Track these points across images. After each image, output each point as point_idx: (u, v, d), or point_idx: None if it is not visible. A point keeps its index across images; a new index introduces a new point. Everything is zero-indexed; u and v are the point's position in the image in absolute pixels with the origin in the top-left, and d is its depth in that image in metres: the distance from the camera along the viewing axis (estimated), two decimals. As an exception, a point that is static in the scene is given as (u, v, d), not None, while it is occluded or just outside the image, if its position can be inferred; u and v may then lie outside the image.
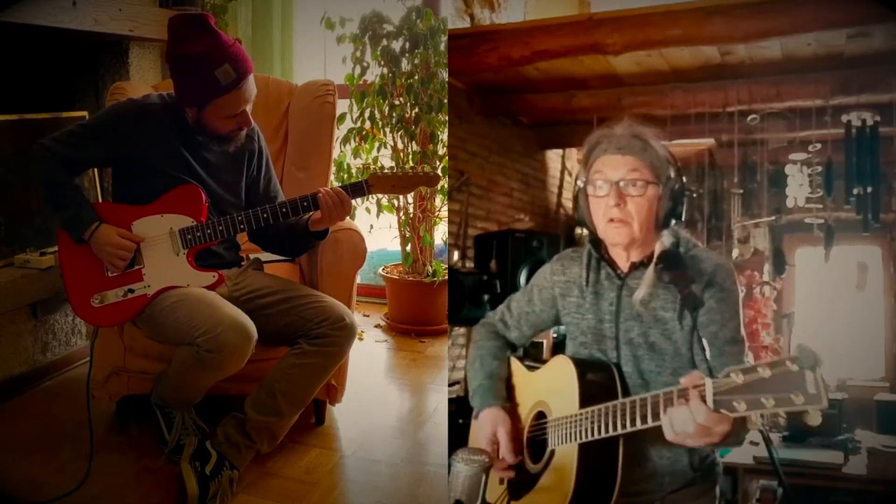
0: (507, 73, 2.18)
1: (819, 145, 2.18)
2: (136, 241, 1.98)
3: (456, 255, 2.56)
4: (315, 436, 2.36)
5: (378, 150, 3.34)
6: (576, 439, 1.32)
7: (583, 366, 1.38)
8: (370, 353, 3.17)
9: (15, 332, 2.59)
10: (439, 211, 3.39)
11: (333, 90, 2.65)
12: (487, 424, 1.49)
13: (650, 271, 1.34)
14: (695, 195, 2.35)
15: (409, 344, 3.27)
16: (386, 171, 2.02)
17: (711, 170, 2.39)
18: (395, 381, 2.95)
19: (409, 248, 3.40)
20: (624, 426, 1.23)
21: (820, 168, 2.19)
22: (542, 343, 2.29)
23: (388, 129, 3.28)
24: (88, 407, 2.05)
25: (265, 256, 2.32)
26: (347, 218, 2.10)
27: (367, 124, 3.26)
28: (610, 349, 1.41)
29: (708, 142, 2.34)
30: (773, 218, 2.30)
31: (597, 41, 1.94)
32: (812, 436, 2.01)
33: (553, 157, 2.92)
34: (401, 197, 3.34)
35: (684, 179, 1.38)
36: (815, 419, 1.02)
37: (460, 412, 1.85)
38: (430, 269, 3.39)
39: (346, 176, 3.29)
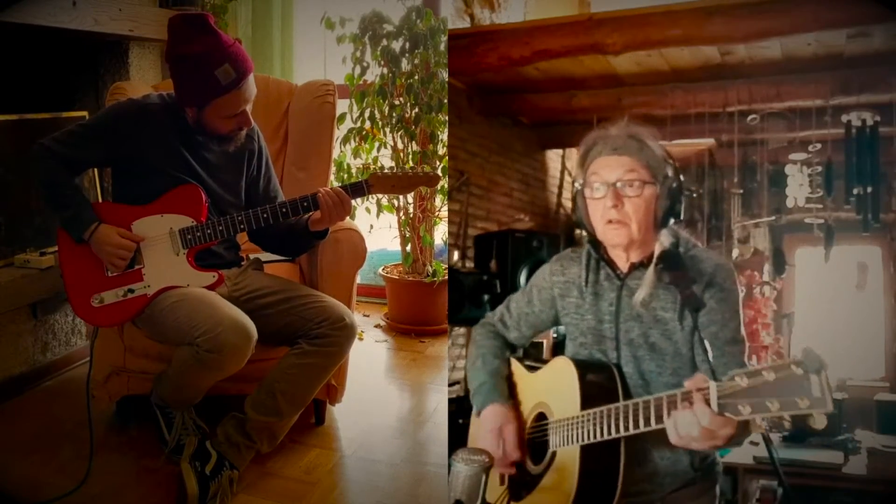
0: (507, 73, 2.18)
1: (819, 145, 2.18)
2: (136, 241, 1.98)
3: (456, 255, 2.55)
4: (315, 436, 2.36)
5: (378, 150, 3.34)
6: (578, 441, 1.32)
7: (583, 367, 1.38)
8: (370, 353, 3.17)
9: (15, 332, 2.59)
10: (439, 211, 3.39)
11: (333, 90, 2.65)
12: (491, 422, 1.48)
13: (650, 272, 1.34)
14: (695, 195, 2.35)
15: (409, 344, 3.27)
16: (386, 171, 2.02)
17: (711, 170, 2.39)
18: (395, 381, 2.95)
19: (409, 248, 3.40)
20: (627, 429, 1.23)
21: (820, 168, 2.19)
22: (541, 343, 2.29)
23: (388, 129, 3.28)
24: (88, 407, 2.05)
25: (265, 256, 2.32)
26: (347, 218, 2.10)
27: (367, 124, 3.26)
28: (610, 350, 1.41)
29: (708, 142, 2.34)
30: (773, 218, 2.30)
31: (597, 41, 1.94)
32: (812, 436, 2.01)
33: (553, 157, 2.92)
34: (401, 197, 3.34)
35: (682, 178, 1.38)
36: (819, 422, 1.02)
37: (460, 412, 1.85)
38: (430, 269, 3.39)
39: (346, 176, 3.29)
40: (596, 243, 1.43)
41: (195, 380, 1.98)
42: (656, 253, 1.34)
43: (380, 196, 3.30)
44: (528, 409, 1.50)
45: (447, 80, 2.95)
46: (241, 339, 1.84)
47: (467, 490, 1.31)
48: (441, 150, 3.27)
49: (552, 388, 1.45)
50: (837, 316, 2.14)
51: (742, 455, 1.97)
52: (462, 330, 2.41)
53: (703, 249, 1.40)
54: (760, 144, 2.29)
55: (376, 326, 3.49)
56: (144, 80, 3.00)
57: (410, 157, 3.29)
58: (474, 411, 1.56)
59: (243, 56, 1.95)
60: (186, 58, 1.92)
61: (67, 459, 2.12)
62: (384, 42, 3.20)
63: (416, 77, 3.16)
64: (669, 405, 1.16)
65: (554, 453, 1.39)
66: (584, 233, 1.46)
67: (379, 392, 2.79)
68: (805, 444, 2.02)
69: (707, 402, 1.10)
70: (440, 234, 3.43)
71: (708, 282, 1.33)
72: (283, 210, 1.97)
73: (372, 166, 3.29)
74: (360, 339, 3.04)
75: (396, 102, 3.23)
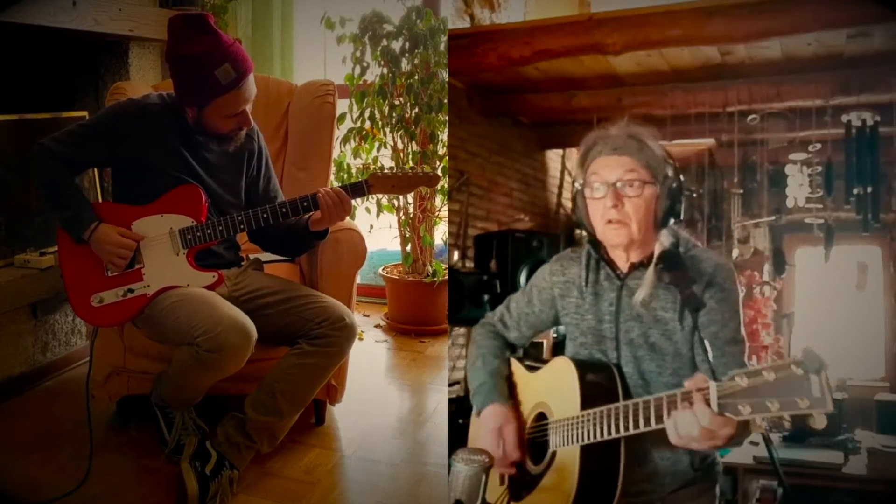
0: (507, 73, 2.18)
1: (819, 145, 2.18)
2: (136, 240, 1.98)
3: (456, 255, 2.55)
4: (315, 436, 2.36)
5: (378, 150, 3.34)
6: (578, 441, 1.32)
7: (583, 367, 1.38)
8: (370, 353, 3.17)
9: (15, 332, 2.59)
10: (439, 211, 3.39)
11: (333, 90, 2.65)
12: (491, 421, 1.48)
13: (650, 272, 1.34)
14: (695, 195, 2.35)
15: (409, 344, 3.27)
16: (386, 171, 2.02)
17: (711, 170, 2.39)
18: (395, 381, 2.95)
19: (409, 248, 3.40)
20: (627, 429, 1.23)
21: (820, 168, 2.19)
22: (541, 343, 2.29)
23: (388, 129, 3.28)
24: (88, 407, 2.05)
25: (265, 256, 2.32)
26: (347, 218, 2.10)
27: (367, 124, 3.26)
28: (610, 350, 1.41)
29: (708, 142, 2.34)
30: (773, 218, 2.30)
31: (597, 41, 1.94)
32: (812, 436, 2.01)
33: (553, 157, 2.92)
34: (401, 197, 3.34)
35: (682, 178, 1.38)
36: (819, 422, 1.02)
37: (460, 412, 1.85)
38: (430, 269, 3.39)
39: (346, 176, 3.29)
40: (596, 243, 1.43)
41: (195, 380, 1.98)
42: (656, 253, 1.34)
43: (380, 196, 3.30)
44: (528, 410, 1.50)
45: (447, 80, 2.95)
46: (240, 338, 1.84)
47: (467, 490, 1.31)
48: (441, 150, 3.27)
49: (552, 388, 1.45)
50: (837, 316, 2.14)
51: (742, 455, 1.97)
52: (462, 330, 2.41)
53: (702, 249, 1.40)
54: (760, 144, 2.29)
55: (376, 326, 3.49)
56: (144, 80, 3.00)
57: (410, 157, 3.29)
58: (474, 411, 1.56)
59: (243, 56, 1.95)
60: (186, 58, 1.92)
61: (67, 459, 2.12)
62: (384, 42, 3.20)
63: (416, 77, 3.16)
64: (669, 405, 1.16)
65: (554, 453, 1.39)
66: (584, 233, 1.46)
67: (379, 392, 2.79)
68: (805, 444, 2.02)
69: (707, 402, 1.10)
70: (440, 234, 3.43)
71: (708, 282, 1.33)
72: (283, 210, 1.97)
73: (372, 166, 3.29)
74: (360, 339, 3.04)
75: (396, 102, 3.23)
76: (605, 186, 1.35)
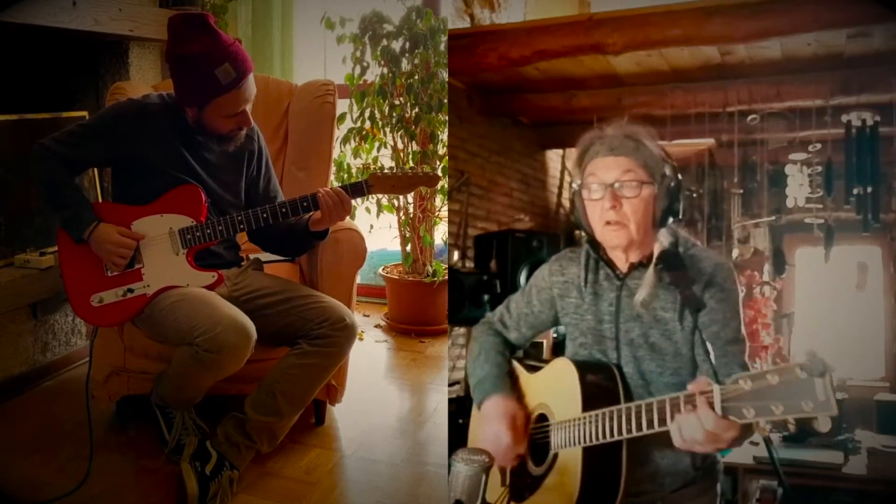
0: (507, 73, 2.18)
1: (819, 145, 2.18)
2: (136, 239, 1.98)
3: (456, 255, 2.55)
4: (315, 436, 2.36)
5: (378, 150, 3.34)
6: (580, 443, 1.31)
7: (584, 367, 1.38)
8: (370, 353, 3.17)
9: (15, 332, 2.59)
10: (439, 211, 3.38)
11: (333, 90, 2.65)
12: (494, 411, 1.46)
13: (650, 272, 1.33)
14: (695, 195, 2.35)
15: (409, 344, 3.27)
16: (386, 171, 2.02)
17: (711, 170, 2.39)
18: (395, 381, 2.95)
19: (409, 248, 3.40)
20: (630, 431, 1.22)
21: (820, 168, 2.19)
22: (541, 343, 2.29)
23: (388, 129, 3.28)
24: (88, 407, 2.05)
25: (265, 256, 2.32)
26: (347, 218, 2.10)
27: (367, 124, 3.26)
28: (610, 350, 1.41)
29: (708, 142, 2.34)
30: (773, 218, 2.30)
31: (597, 41, 1.94)
32: (812, 436, 2.01)
33: (553, 157, 2.92)
34: (401, 197, 3.34)
35: (680, 176, 1.37)
36: (824, 425, 1.02)
37: (460, 412, 1.85)
38: (430, 269, 3.39)
39: (346, 176, 3.29)
40: (595, 243, 1.43)
41: (195, 380, 1.98)
42: (656, 253, 1.34)
43: (380, 196, 3.30)
44: (529, 411, 1.50)
45: (447, 80, 2.95)
46: (240, 338, 1.84)
47: (467, 490, 1.31)
48: (441, 150, 3.27)
49: (553, 389, 1.44)
50: (837, 316, 2.14)
51: (742, 455, 1.97)
52: (462, 330, 2.41)
53: (702, 249, 1.40)
54: (760, 144, 2.29)
55: (376, 326, 3.49)
56: (144, 80, 3.00)
57: (410, 157, 3.29)
58: (475, 406, 1.54)
59: (243, 56, 1.95)
60: (186, 57, 1.92)
61: (67, 459, 2.13)
62: (384, 42, 3.20)
63: (416, 77, 3.16)
64: (672, 408, 1.16)
65: (556, 455, 1.39)
66: (583, 233, 1.46)
67: (379, 392, 2.79)
68: (805, 444, 2.02)
69: (711, 406, 1.09)
70: (440, 234, 3.43)
71: (708, 281, 1.33)
72: (283, 210, 1.97)
73: (372, 166, 3.29)
74: (361, 339, 3.04)
75: (396, 102, 3.23)
76: (602, 188, 1.35)
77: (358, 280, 2.36)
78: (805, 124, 2.15)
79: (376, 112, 3.25)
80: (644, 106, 2.24)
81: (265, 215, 1.97)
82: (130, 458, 2.18)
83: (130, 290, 1.98)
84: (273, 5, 3.53)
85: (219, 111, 1.97)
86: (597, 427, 1.28)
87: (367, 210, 3.32)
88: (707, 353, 1.26)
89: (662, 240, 1.34)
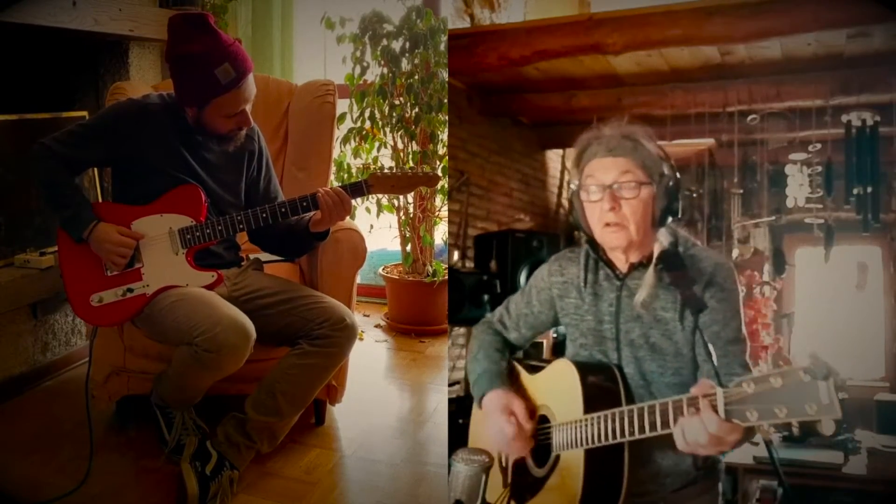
0: (507, 73, 2.18)
1: (819, 145, 2.18)
2: (136, 239, 1.98)
3: (456, 255, 2.56)
4: (315, 436, 2.36)
5: (378, 150, 3.34)
6: (582, 444, 1.31)
7: (584, 369, 1.37)
8: (370, 353, 3.16)
9: (15, 332, 2.59)
10: (439, 211, 3.38)
11: (333, 90, 2.65)
12: (496, 404, 1.45)
13: (650, 273, 1.33)
14: (695, 195, 2.35)
15: (409, 344, 3.27)
16: (386, 171, 2.02)
17: (711, 170, 2.39)
18: (395, 381, 2.95)
19: (409, 248, 3.40)
20: (632, 433, 1.22)
21: (820, 168, 2.19)
22: (542, 343, 2.29)
23: (388, 129, 3.27)
24: (88, 407, 2.04)
25: (265, 256, 2.32)
26: (347, 218, 2.10)
27: (367, 124, 3.26)
28: (611, 350, 1.41)
29: (708, 142, 2.34)
30: (773, 218, 2.30)
31: (597, 41, 1.94)
32: (812, 436, 2.01)
33: (553, 157, 2.93)
34: (401, 197, 3.33)
35: (678, 175, 1.36)
36: (828, 428, 1.02)
37: (460, 412, 1.85)
38: (430, 269, 3.39)
39: (346, 176, 3.29)
40: (594, 243, 1.42)
41: (194, 380, 1.98)
42: (655, 253, 1.34)
43: (380, 196, 3.30)
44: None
45: (447, 80, 2.95)
46: (239, 338, 1.84)
47: (467, 490, 1.31)
48: (441, 150, 3.27)
49: (554, 390, 1.44)
50: (837, 316, 2.14)
51: (742, 455, 1.97)
52: (462, 330, 2.41)
53: (702, 248, 1.40)
54: (760, 144, 2.29)
55: (376, 326, 3.49)
56: (144, 80, 3.00)
57: (410, 157, 3.29)
58: (475, 402, 1.54)
59: (243, 56, 1.95)
60: (186, 57, 1.92)
61: (67, 459, 2.12)
62: (384, 42, 3.20)
63: (416, 77, 3.16)
64: (676, 411, 1.16)
65: (557, 456, 1.39)
66: (583, 233, 1.46)
67: (379, 392, 2.79)
68: (805, 444, 2.03)
69: (714, 409, 1.09)
70: (440, 234, 3.43)
71: (708, 281, 1.32)
72: (283, 210, 1.97)
73: (372, 166, 3.29)
74: (361, 339, 3.04)
75: (396, 102, 3.23)
76: (601, 189, 1.34)
77: (358, 280, 2.36)
78: (805, 124, 2.15)
79: (376, 112, 3.25)
80: (644, 106, 2.24)
81: (264, 215, 1.97)
82: (130, 458, 2.18)
83: (130, 290, 1.98)
84: (273, 5, 3.53)
85: (218, 111, 1.97)
86: (599, 429, 1.28)
87: (367, 210, 3.32)
88: (708, 353, 1.25)
89: (662, 240, 1.34)
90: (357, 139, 3.27)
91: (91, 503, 1.94)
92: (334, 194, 1.96)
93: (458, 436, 1.70)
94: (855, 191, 2.08)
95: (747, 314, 2.24)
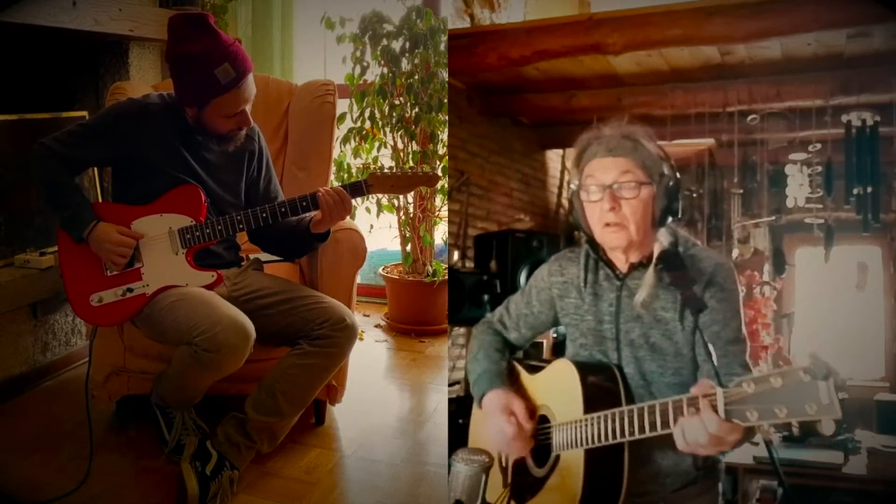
0: (507, 73, 2.18)
1: (819, 145, 2.18)
2: (136, 238, 1.98)
3: (456, 255, 2.56)
4: (315, 436, 2.36)
5: (378, 149, 3.34)
6: (582, 445, 1.31)
7: (585, 369, 1.37)
8: (370, 353, 3.16)
9: (15, 332, 2.59)
10: (439, 211, 3.38)
11: (333, 90, 2.65)
12: (496, 404, 1.45)
13: (650, 273, 1.33)
14: (695, 195, 2.35)
15: (409, 344, 3.27)
16: (385, 170, 2.02)
17: (711, 170, 2.39)
18: (395, 381, 2.95)
19: (409, 248, 3.40)
20: (632, 433, 1.22)
21: (820, 168, 2.19)
22: (542, 343, 2.29)
23: (388, 129, 3.28)
24: (88, 407, 2.05)
25: (265, 256, 2.32)
26: (347, 218, 2.10)
27: (367, 124, 3.26)
28: (611, 350, 1.40)
29: (708, 142, 2.35)
30: (773, 218, 2.30)
31: (597, 41, 1.94)
32: (812, 436, 2.01)
33: (553, 157, 2.93)
34: (401, 197, 3.34)
35: (678, 175, 1.36)
36: (828, 428, 1.02)
37: (460, 412, 1.85)
38: (430, 269, 3.39)
39: (346, 176, 3.29)
40: (594, 243, 1.42)
41: (194, 379, 1.98)
42: (656, 253, 1.34)
43: (380, 196, 3.30)
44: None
45: (447, 80, 2.95)
46: (239, 338, 1.84)
47: (467, 490, 1.31)
48: (441, 150, 3.27)
49: (554, 390, 1.44)
50: (837, 316, 2.14)
51: (742, 455, 1.97)
52: (462, 330, 2.41)
53: (702, 248, 1.40)
54: (760, 144, 2.29)
55: (376, 326, 3.49)
56: (144, 80, 3.00)
57: (410, 157, 3.29)
58: (475, 402, 1.54)
59: (243, 56, 1.95)
60: (186, 57, 1.92)
61: (67, 459, 2.12)
62: (384, 42, 3.20)
63: (416, 77, 3.16)
64: (676, 411, 1.16)
65: (558, 456, 1.39)
66: (582, 233, 1.45)
67: (379, 392, 2.79)
68: (805, 444, 2.03)
69: (714, 409, 1.09)
70: (440, 234, 3.43)
71: (708, 281, 1.32)
72: (282, 210, 1.97)
73: (372, 166, 3.29)
74: (361, 339, 3.04)
75: (396, 102, 3.23)
76: (601, 189, 1.34)
77: (358, 280, 2.36)
78: (805, 124, 2.15)
79: (376, 112, 3.25)
80: (644, 106, 2.24)
81: (264, 215, 1.97)
82: (130, 458, 2.18)
83: (130, 290, 1.98)
84: (273, 5, 3.53)
85: (218, 111, 1.97)
86: (599, 429, 1.28)
87: (367, 210, 3.32)
88: (708, 353, 1.25)
89: (662, 240, 1.34)
90: (357, 139, 3.27)
91: (91, 503, 1.94)
92: (335, 193, 1.96)
93: (458, 436, 1.71)
94: (855, 191, 2.08)
95: (747, 314, 2.24)
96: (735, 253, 2.36)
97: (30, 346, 2.66)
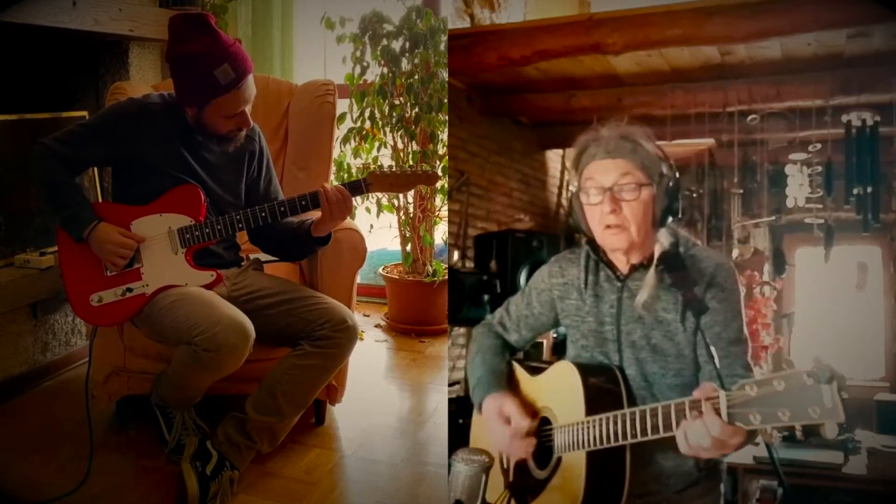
0: (507, 73, 2.18)
1: (819, 145, 2.18)
2: (137, 241, 1.98)
3: (456, 255, 2.56)
4: (315, 436, 2.36)
5: (378, 149, 3.34)
6: (584, 447, 1.30)
7: (586, 370, 1.37)
8: (370, 353, 3.16)
9: (15, 332, 2.59)
10: (439, 211, 3.38)
11: (333, 90, 2.65)
12: (494, 408, 1.46)
13: (651, 274, 1.33)
14: (695, 195, 2.35)
15: (409, 344, 3.27)
16: (385, 169, 2.02)
17: (711, 170, 2.39)
18: (395, 381, 2.95)
19: (409, 247, 3.40)
20: (634, 436, 1.21)
21: (820, 168, 2.19)
22: (542, 343, 2.29)
23: (388, 129, 3.27)
24: (88, 407, 2.05)
25: (265, 256, 2.32)
26: (347, 218, 2.10)
27: (367, 124, 3.26)
28: (612, 352, 1.40)
29: (708, 142, 2.34)
30: (773, 218, 2.30)
31: (597, 41, 1.94)
32: (812, 436, 2.01)
33: (553, 157, 2.92)
34: (401, 196, 3.34)
35: (678, 175, 1.36)
36: (831, 431, 1.02)
37: (460, 412, 1.85)
38: (430, 269, 3.39)
39: (345, 176, 3.29)
40: (594, 244, 1.42)
41: (194, 379, 1.98)
42: (656, 254, 1.33)
43: (380, 196, 3.30)
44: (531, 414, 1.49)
45: (447, 80, 2.95)
46: (238, 338, 1.84)
47: (467, 490, 1.31)
48: (441, 150, 3.27)
49: (555, 392, 1.43)
50: (837, 316, 2.14)
51: (742, 455, 1.97)
52: (462, 330, 2.41)
53: (702, 249, 1.40)
54: (760, 144, 2.29)
55: (376, 326, 3.49)
56: (144, 80, 3.00)
57: (410, 156, 3.29)
58: (475, 408, 1.54)
59: (243, 56, 1.95)
60: (186, 57, 1.92)
61: (67, 459, 2.12)
62: (384, 42, 3.20)
63: (416, 77, 3.16)
64: (678, 414, 1.15)
65: (559, 458, 1.39)
66: (583, 235, 1.45)
67: (379, 392, 2.79)
68: (805, 444, 2.02)
69: (717, 412, 1.09)
70: (440, 234, 3.43)
71: (709, 282, 1.32)
72: (282, 209, 1.96)
73: (372, 166, 3.29)
74: (361, 339, 3.03)
75: (396, 102, 3.23)
76: (601, 191, 1.34)
77: (358, 280, 2.36)
78: (805, 124, 2.15)
79: (376, 112, 3.24)
80: (644, 106, 2.24)
81: (263, 214, 1.96)
82: (130, 458, 2.18)
83: (129, 290, 1.98)
84: (273, 5, 3.53)
85: (218, 111, 1.97)
86: (601, 431, 1.27)
87: (367, 210, 3.32)
88: (710, 354, 1.25)
89: (663, 240, 1.34)
90: (357, 139, 3.27)
91: (91, 503, 1.94)
92: (337, 191, 1.95)
93: (458, 436, 1.71)
94: (855, 191, 2.08)
95: (747, 314, 2.24)
96: (735, 253, 2.36)
97: (30, 346, 2.66)
